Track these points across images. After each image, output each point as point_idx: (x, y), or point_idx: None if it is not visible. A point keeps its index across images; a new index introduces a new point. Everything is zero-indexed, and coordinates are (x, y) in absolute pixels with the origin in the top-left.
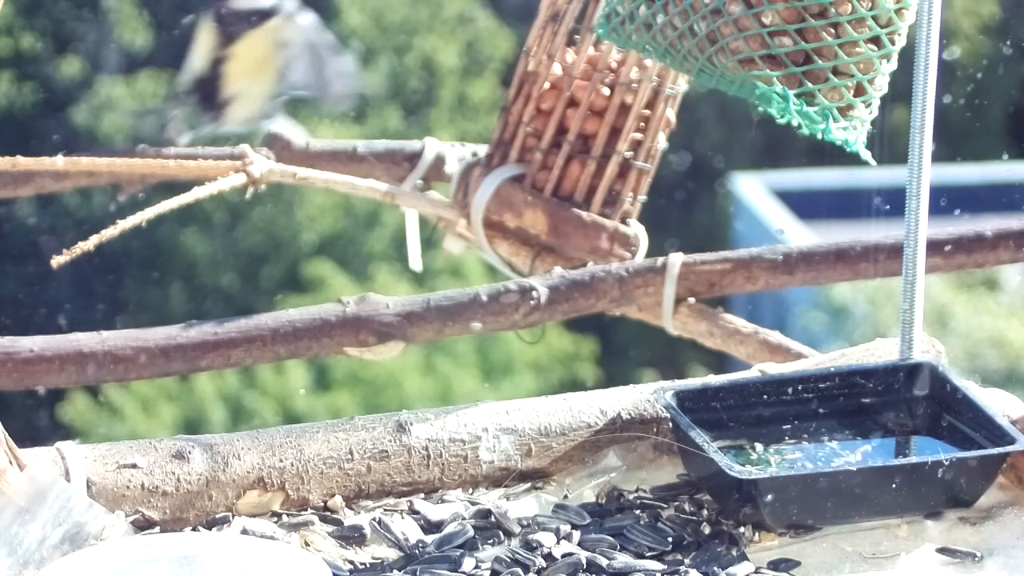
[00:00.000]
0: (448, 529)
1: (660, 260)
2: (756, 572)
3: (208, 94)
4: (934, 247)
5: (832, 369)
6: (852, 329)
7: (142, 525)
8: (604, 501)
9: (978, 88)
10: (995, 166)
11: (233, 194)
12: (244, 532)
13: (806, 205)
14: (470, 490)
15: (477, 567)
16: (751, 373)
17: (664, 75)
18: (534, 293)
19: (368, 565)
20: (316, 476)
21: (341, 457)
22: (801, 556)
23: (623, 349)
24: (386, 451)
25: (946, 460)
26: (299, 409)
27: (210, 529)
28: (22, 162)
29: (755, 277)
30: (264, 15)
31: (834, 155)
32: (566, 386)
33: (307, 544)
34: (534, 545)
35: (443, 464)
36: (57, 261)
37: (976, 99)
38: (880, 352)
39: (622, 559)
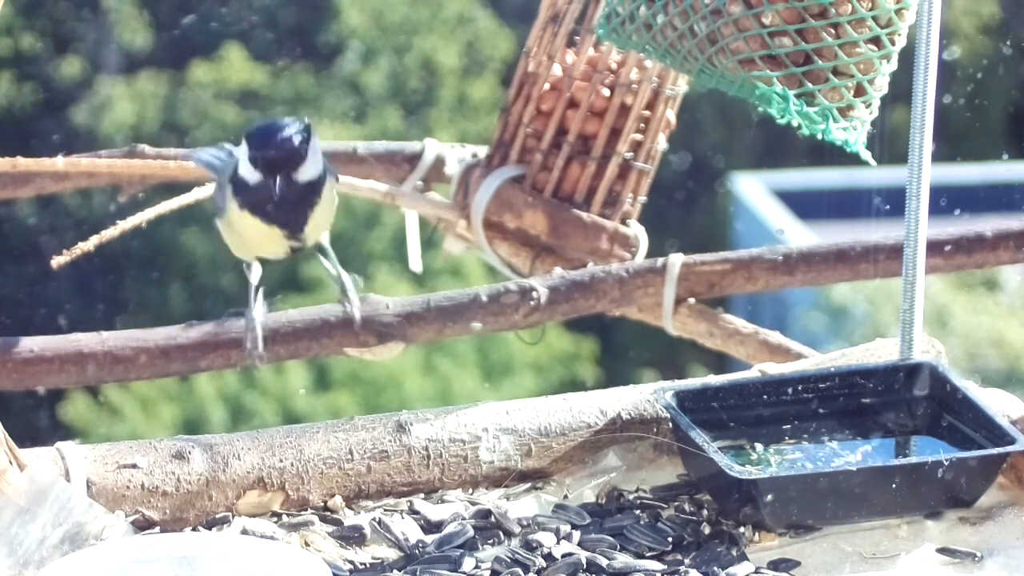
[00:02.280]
0: (448, 529)
1: (660, 260)
2: (756, 572)
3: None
4: (934, 247)
5: (832, 369)
6: (852, 329)
7: (142, 525)
8: (604, 501)
9: (978, 88)
10: (995, 166)
11: None
12: (244, 532)
13: (806, 205)
14: (470, 490)
15: (477, 567)
16: (751, 373)
17: (664, 76)
18: (534, 294)
19: (368, 565)
20: (316, 476)
21: (341, 457)
22: (801, 556)
23: (623, 349)
24: (386, 451)
25: (946, 460)
26: (299, 409)
27: (210, 529)
28: (22, 162)
29: (755, 277)
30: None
31: (834, 155)
32: (566, 386)
33: (307, 544)
34: (534, 545)
35: (443, 464)
36: (57, 261)
37: (976, 99)
38: (880, 352)
39: (622, 559)
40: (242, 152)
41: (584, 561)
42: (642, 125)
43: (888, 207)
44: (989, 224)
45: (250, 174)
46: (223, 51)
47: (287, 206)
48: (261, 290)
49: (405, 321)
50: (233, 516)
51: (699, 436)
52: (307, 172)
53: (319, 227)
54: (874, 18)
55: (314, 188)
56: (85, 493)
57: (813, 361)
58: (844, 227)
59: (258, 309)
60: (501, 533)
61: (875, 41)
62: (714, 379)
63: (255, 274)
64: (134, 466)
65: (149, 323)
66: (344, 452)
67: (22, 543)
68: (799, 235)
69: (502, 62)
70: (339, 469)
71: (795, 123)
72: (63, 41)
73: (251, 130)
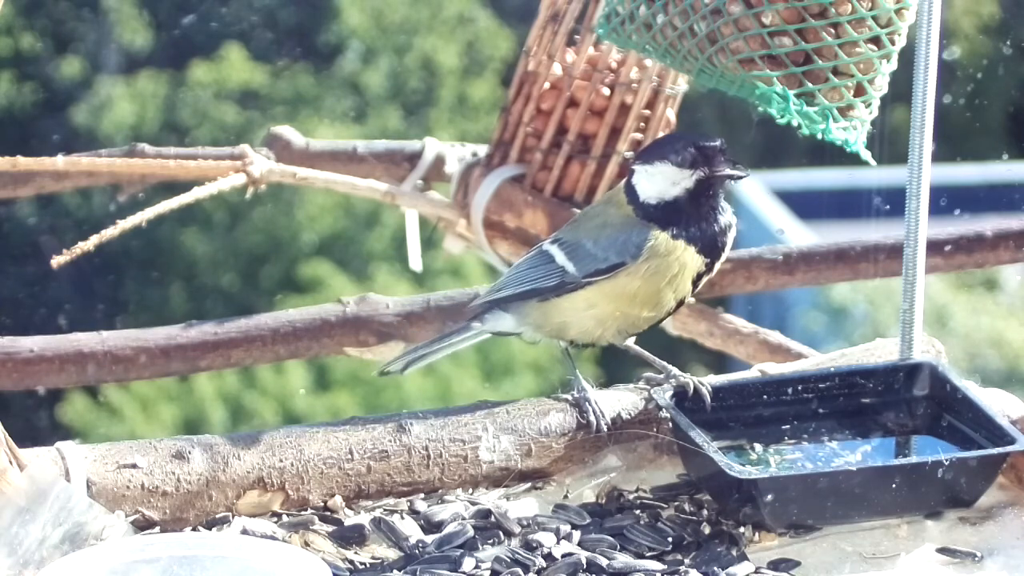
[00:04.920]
0: (448, 529)
1: None
2: (756, 572)
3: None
4: (934, 247)
5: (832, 369)
6: (852, 329)
7: (142, 525)
8: (604, 501)
9: (978, 88)
10: (995, 166)
11: (233, 194)
12: (244, 532)
13: (806, 205)
14: (470, 490)
15: (477, 567)
16: (751, 373)
17: (664, 75)
18: None
19: (368, 565)
20: (316, 476)
21: (341, 457)
22: (801, 556)
23: (623, 349)
24: (386, 451)
25: (946, 460)
26: (299, 409)
27: (210, 529)
28: (22, 162)
29: (755, 277)
30: None
31: (834, 155)
32: (566, 386)
33: (307, 544)
34: (534, 545)
35: (443, 464)
36: (57, 261)
37: (976, 99)
38: (880, 352)
39: (622, 559)
40: (648, 175)
41: (584, 561)
42: (642, 124)
43: (888, 207)
44: (989, 224)
45: (678, 183)
46: (223, 51)
47: (719, 223)
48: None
49: (405, 321)
50: (233, 516)
51: (699, 436)
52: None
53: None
54: (874, 18)
55: (727, 203)
56: (85, 493)
57: (813, 361)
58: (844, 227)
59: (587, 384)
60: (501, 533)
61: (875, 41)
62: (714, 379)
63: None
64: (134, 466)
65: (149, 323)
66: (344, 452)
67: (22, 543)
68: (799, 235)
69: (502, 62)
70: (339, 469)
71: (795, 123)
72: (63, 41)
73: (655, 147)
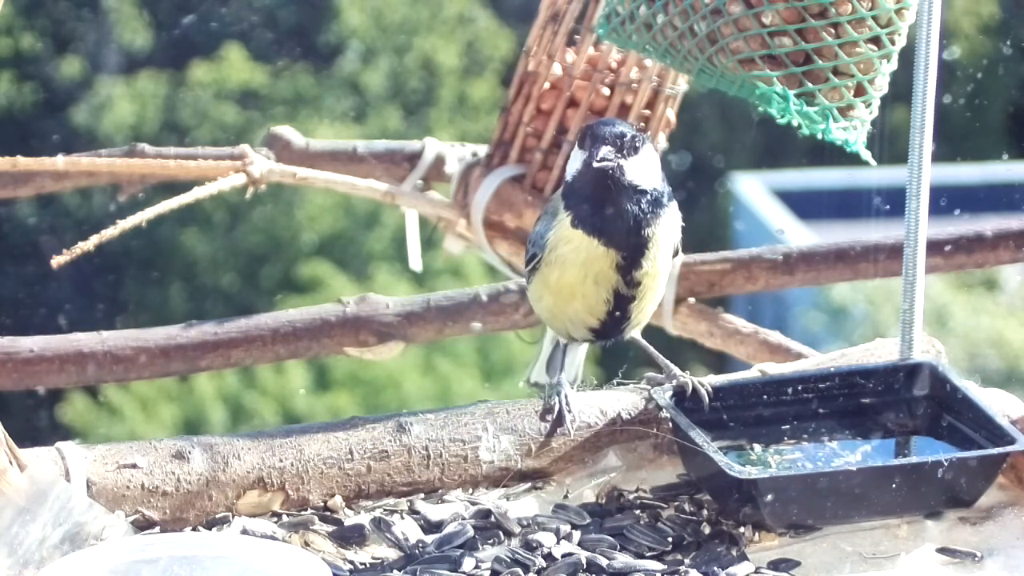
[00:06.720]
0: (448, 529)
1: None
2: (756, 572)
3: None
4: (934, 247)
5: (832, 369)
6: (852, 329)
7: (142, 525)
8: (604, 501)
9: (978, 88)
10: (995, 166)
11: (233, 194)
12: (244, 532)
13: (806, 205)
14: (470, 490)
15: (477, 567)
16: (751, 373)
17: (664, 75)
18: None
19: (368, 565)
20: (316, 476)
21: (341, 457)
22: (801, 556)
23: (623, 349)
24: (386, 451)
25: (946, 460)
26: (299, 409)
27: (210, 529)
28: (22, 162)
29: (755, 277)
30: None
31: (834, 155)
32: None
33: (307, 544)
34: (534, 545)
35: (443, 464)
36: (57, 261)
37: (976, 99)
38: (880, 352)
39: (622, 559)
40: (573, 155)
41: (584, 561)
42: (642, 124)
43: (888, 207)
44: (989, 224)
45: (577, 165)
46: (223, 51)
47: (621, 215)
48: (565, 373)
49: (405, 321)
50: (233, 516)
51: (699, 436)
52: (640, 172)
53: (655, 279)
54: (874, 18)
55: (653, 202)
56: (85, 493)
57: (813, 361)
58: (844, 227)
59: (566, 382)
60: (501, 533)
61: (875, 41)
62: (714, 379)
63: (571, 348)
64: (134, 466)
65: (149, 323)
66: (344, 452)
67: (22, 543)
68: (799, 235)
69: (502, 62)
70: (339, 469)
71: (795, 123)
72: (63, 41)
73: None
